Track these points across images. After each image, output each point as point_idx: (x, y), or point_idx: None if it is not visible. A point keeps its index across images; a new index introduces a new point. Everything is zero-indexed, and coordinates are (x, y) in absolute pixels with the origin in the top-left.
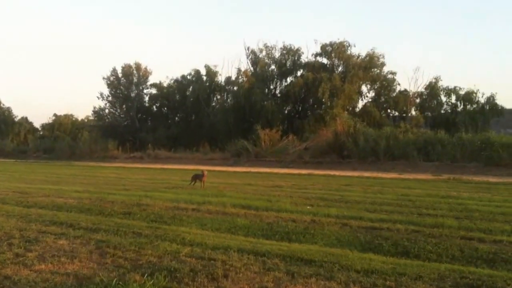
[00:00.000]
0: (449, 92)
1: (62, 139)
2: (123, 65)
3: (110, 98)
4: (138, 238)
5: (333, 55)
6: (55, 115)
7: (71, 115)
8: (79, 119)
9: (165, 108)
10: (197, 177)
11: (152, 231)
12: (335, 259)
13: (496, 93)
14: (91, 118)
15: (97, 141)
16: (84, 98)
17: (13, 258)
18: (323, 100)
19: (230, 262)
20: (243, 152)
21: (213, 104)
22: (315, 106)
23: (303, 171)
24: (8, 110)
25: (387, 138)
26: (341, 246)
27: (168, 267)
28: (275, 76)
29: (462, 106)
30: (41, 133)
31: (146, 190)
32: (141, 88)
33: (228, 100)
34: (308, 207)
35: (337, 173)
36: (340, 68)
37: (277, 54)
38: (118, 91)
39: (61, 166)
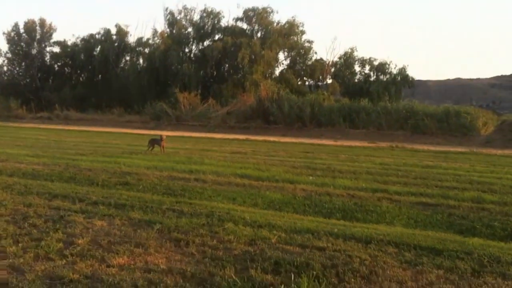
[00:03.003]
0: (363, 62)
1: None
2: (26, 20)
3: (9, 55)
4: (185, 217)
5: (254, 20)
6: None
7: None
8: None
9: (69, 68)
10: (155, 141)
11: (188, 208)
12: (458, 246)
13: (407, 65)
14: None
15: None
16: None
17: (64, 248)
18: (242, 65)
19: (350, 252)
20: (162, 116)
21: (122, 65)
22: (233, 71)
23: (236, 136)
24: None
25: (312, 105)
26: (425, 228)
27: (288, 260)
28: (192, 39)
29: (375, 76)
30: None
31: (106, 155)
32: (43, 45)
33: (140, 61)
34: (311, 178)
35: (273, 138)
36: (259, 34)
37: (196, 17)
38: (18, 48)
39: None
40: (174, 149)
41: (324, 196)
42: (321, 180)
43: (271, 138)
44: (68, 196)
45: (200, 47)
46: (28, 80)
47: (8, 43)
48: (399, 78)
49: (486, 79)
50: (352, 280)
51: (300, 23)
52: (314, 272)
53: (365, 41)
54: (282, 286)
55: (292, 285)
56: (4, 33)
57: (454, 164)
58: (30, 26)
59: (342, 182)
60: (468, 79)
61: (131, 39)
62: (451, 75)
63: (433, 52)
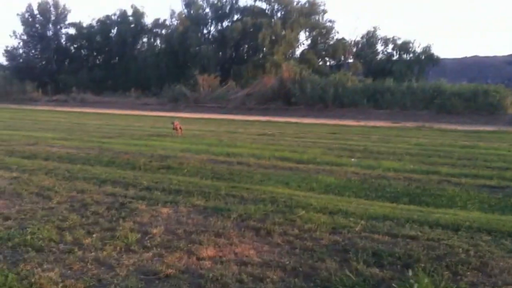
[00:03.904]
0: (386, 41)
1: None
2: (40, 1)
3: (24, 37)
4: (250, 203)
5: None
6: None
7: None
8: None
9: (85, 50)
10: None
11: (247, 194)
12: None
13: (432, 43)
14: None
15: (12, 82)
16: None
17: (142, 239)
18: (263, 46)
19: (446, 241)
20: (180, 98)
21: (139, 47)
22: (252, 52)
23: (257, 118)
24: None
25: (335, 86)
26: (503, 212)
27: (387, 251)
28: (210, 20)
29: (398, 56)
30: None
31: (135, 138)
32: (58, 27)
33: (157, 43)
34: (352, 160)
35: (294, 120)
36: (279, 14)
37: None
38: (33, 30)
39: None
40: (200, 131)
41: (381, 179)
42: (366, 163)
43: (293, 120)
44: (117, 181)
45: (219, 28)
46: (44, 63)
47: (23, 24)
48: (423, 57)
49: (503, 56)
50: (468, 273)
51: (321, 2)
52: (422, 265)
53: (386, 19)
54: (395, 280)
55: (410, 281)
56: (18, 15)
57: (493, 144)
58: (44, 7)
59: (389, 164)
60: (484, 56)
61: (148, 20)
62: (469, 53)
63: (451, 29)
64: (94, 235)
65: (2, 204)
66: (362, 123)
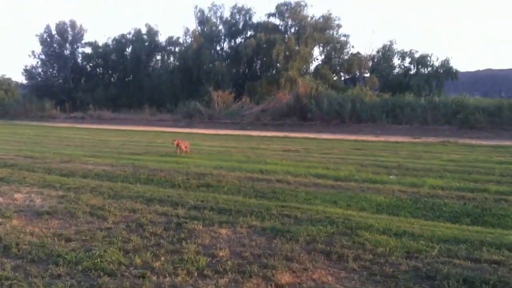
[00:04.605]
0: (403, 55)
1: None
2: (58, 22)
3: (42, 57)
4: (308, 224)
5: (287, 15)
6: None
7: None
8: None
9: (100, 68)
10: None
11: (300, 214)
12: None
13: (451, 57)
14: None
15: (32, 100)
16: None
17: (212, 263)
18: (277, 62)
19: None
20: (195, 114)
21: (153, 64)
22: (266, 68)
23: (274, 134)
24: None
25: (353, 101)
26: None
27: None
28: (224, 37)
29: (415, 69)
30: None
31: (161, 154)
32: (75, 46)
33: (171, 60)
34: (392, 177)
35: (311, 135)
36: (293, 29)
37: (227, 14)
38: (51, 49)
39: (10, 126)
40: (222, 147)
41: (433, 198)
42: (407, 180)
43: (310, 135)
44: (163, 199)
45: (232, 44)
46: (61, 81)
47: (41, 44)
48: (441, 71)
49: None
50: None
51: (336, 16)
52: None
53: (402, 33)
54: None
55: None
56: (37, 35)
57: None
58: (61, 28)
59: (432, 181)
60: (498, 69)
61: (161, 38)
62: (482, 66)
63: (464, 42)
64: (162, 258)
65: (58, 224)
66: (382, 138)
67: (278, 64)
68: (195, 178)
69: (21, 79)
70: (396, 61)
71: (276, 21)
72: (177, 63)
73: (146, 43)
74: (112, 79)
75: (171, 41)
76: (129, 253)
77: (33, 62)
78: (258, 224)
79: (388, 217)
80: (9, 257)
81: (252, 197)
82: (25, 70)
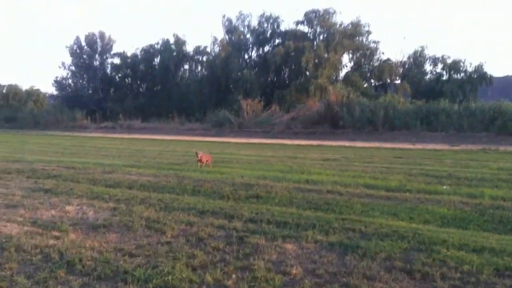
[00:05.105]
0: (435, 60)
1: (20, 109)
2: (87, 34)
3: (72, 68)
4: (376, 239)
5: (315, 22)
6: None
7: (16, 85)
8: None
9: (129, 78)
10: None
11: (364, 227)
12: None
13: (485, 61)
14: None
15: (63, 110)
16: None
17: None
18: (307, 69)
19: None
20: (225, 123)
21: (181, 74)
22: (294, 76)
23: (307, 142)
24: None
25: (386, 108)
26: None
27: None
28: (252, 45)
29: (447, 75)
30: None
31: (200, 165)
32: (104, 57)
33: (198, 69)
34: (445, 187)
35: (345, 143)
36: (321, 37)
37: (254, 22)
38: (81, 61)
39: (44, 136)
40: (260, 156)
41: (499, 210)
42: (464, 191)
43: (342, 143)
44: (216, 212)
45: (260, 52)
46: (91, 91)
47: (71, 56)
48: (475, 76)
49: None
50: None
51: (365, 23)
52: None
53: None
54: None
55: None
56: (67, 47)
57: None
58: (91, 39)
59: (491, 192)
60: None
61: (189, 48)
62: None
63: (493, 47)
64: (233, 276)
65: (116, 238)
66: (418, 146)
67: (307, 72)
68: (243, 189)
69: (50, 90)
70: (427, 67)
71: (305, 28)
72: (205, 72)
73: (174, 53)
74: (141, 89)
75: (198, 51)
76: (197, 269)
77: (63, 73)
78: (323, 239)
79: (457, 231)
80: (74, 273)
81: (307, 209)
82: (56, 81)
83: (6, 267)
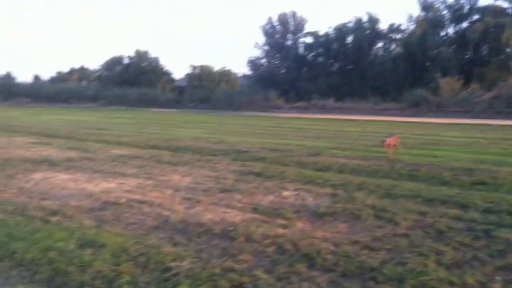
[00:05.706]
0: None
1: (213, 89)
2: (279, 14)
3: (265, 47)
4: None
5: None
6: (192, 66)
7: (208, 66)
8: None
9: (322, 57)
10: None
11: None
12: None
13: None
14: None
15: (256, 91)
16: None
17: None
18: (508, 46)
19: None
20: (422, 102)
21: (374, 52)
22: (495, 53)
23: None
24: (156, 60)
25: None
26: None
27: None
28: (448, 22)
29: None
30: (177, 83)
31: (407, 147)
32: (296, 37)
33: (392, 48)
34: None
35: None
36: None
37: None
38: (274, 40)
39: (239, 117)
40: (469, 138)
41: None
42: None
43: None
44: (444, 200)
45: (457, 29)
46: (284, 71)
47: (264, 35)
48: None
49: None
50: None
51: None
52: None
53: None
54: None
55: None
56: (260, 27)
57: None
58: (283, 19)
59: None
60: None
61: (382, 26)
62: None
63: None
64: (496, 277)
65: (346, 229)
66: None
67: (508, 49)
68: (464, 174)
69: (241, 70)
70: None
71: (504, 4)
72: (400, 50)
73: (367, 31)
74: (333, 68)
75: (392, 29)
76: (450, 268)
77: (257, 53)
78: None
79: None
80: (315, 269)
81: None
82: (250, 61)
83: (241, 260)
